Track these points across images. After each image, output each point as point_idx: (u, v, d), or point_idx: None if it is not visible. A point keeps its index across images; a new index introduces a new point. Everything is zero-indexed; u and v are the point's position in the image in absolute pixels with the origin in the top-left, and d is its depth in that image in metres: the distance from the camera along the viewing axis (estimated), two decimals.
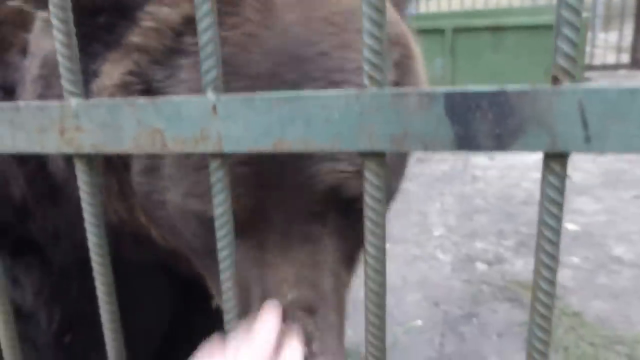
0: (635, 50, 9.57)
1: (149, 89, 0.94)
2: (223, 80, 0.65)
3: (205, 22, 0.63)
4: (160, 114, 0.66)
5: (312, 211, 0.92)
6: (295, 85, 0.85)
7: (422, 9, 10.54)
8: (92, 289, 0.79)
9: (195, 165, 0.88)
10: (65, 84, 0.69)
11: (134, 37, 0.93)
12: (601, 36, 10.77)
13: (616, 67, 9.67)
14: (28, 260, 1.29)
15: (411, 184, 5.11)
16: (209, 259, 1.01)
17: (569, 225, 4.03)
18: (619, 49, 9.73)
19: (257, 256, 0.94)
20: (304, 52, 0.88)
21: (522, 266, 3.55)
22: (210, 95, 0.63)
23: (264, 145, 0.63)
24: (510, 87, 0.54)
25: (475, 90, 0.55)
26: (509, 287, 3.33)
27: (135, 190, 0.99)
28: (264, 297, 0.92)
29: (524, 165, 5.32)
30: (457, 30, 8.01)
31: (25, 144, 0.73)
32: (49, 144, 0.71)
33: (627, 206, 4.39)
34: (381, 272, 0.63)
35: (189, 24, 0.89)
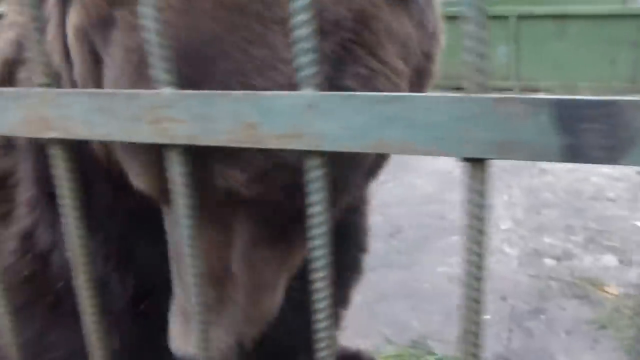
0: None
1: (94, 53, 0.92)
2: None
3: (302, 16, 0.62)
4: (255, 108, 0.65)
5: (219, 201, 0.91)
6: (196, 87, 0.75)
7: None
8: (164, 260, 0.78)
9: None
10: (158, 72, 0.69)
11: None
12: None
13: None
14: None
15: None
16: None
17: None
18: None
19: (173, 218, 0.96)
20: (206, 50, 0.82)
21: (591, 263, 3.47)
22: (308, 92, 0.62)
23: (363, 145, 0.61)
24: (622, 98, 0.51)
25: (585, 99, 0.52)
26: (578, 283, 3.26)
27: None
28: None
29: None
30: (522, 18, 7.87)
31: (118, 132, 0.72)
32: (142, 133, 0.71)
33: None
34: (481, 279, 0.61)
35: None
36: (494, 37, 7.88)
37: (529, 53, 7.85)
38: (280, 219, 0.98)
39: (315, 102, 0.62)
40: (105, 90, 0.72)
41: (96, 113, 0.73)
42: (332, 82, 0.86)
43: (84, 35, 0.93)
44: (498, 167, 5.29)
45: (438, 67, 1.08)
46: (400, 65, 0.94)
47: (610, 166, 0.55)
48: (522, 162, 5.43)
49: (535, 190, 4.75)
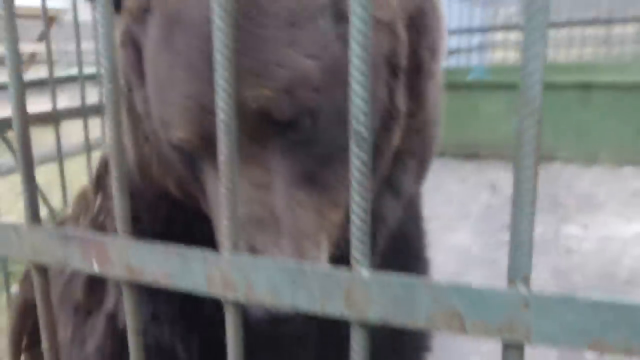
0: None
1: (135, 45, 1.14)
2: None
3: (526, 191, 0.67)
4: (461, 298, 0.71)
5: (251, 135, 1.02)
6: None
7: (498, 57, 10.42)
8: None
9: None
10: (358, 254, 0.75)
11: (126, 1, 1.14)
12: None
13: None
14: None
15: (499, 253, 5.05)
16: (198, 189, 1.19)
17: None
18: None
19: (215, 174, 1.07)
20: None
21: None
22: (522, 290, 0.68)
23: (579, 344, 0.67)
24: None
25: None
26: None
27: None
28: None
29: (621, 238, 5.21)
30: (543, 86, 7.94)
31: (306, 304, 0.78)
32: (332, 308, 0.77)
33: None
34: None
35: None
36: (512, 106, 7.99)
37: (548, 122, 7.92)
38: (312, 157, 1.09)
39: (530, 301, 0.68)
40: (297, 263, 0.78)
41: (284, 283, 0.78)
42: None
43: (127, 35, 1.14)
44: None
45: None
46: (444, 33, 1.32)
47: None
48: (545, 239, 5.48)
49: (563, 272, 4.77)
